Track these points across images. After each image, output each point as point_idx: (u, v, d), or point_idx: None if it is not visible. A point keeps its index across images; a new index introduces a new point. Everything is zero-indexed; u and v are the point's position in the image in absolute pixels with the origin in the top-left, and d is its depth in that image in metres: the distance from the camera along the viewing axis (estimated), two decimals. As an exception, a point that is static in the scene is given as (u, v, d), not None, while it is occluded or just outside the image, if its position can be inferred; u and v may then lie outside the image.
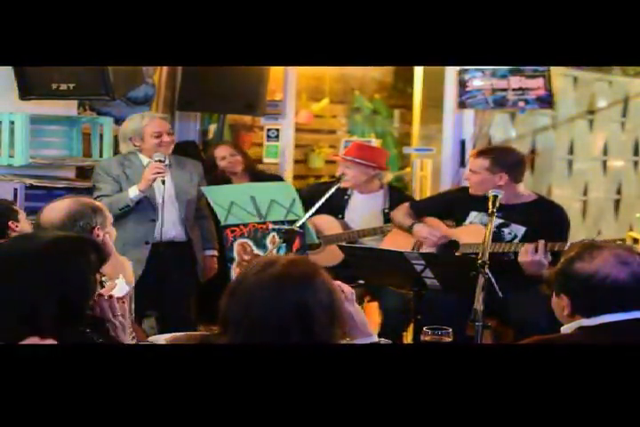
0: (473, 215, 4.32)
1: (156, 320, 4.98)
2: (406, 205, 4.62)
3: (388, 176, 5.10)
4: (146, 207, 4.43)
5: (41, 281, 2.04)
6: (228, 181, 5.29)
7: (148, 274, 4.40)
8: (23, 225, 3.35)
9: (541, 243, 3.89)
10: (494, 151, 4.38)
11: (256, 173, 5.41)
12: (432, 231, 4.39)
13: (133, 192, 4.32)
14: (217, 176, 5.31)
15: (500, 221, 4.19)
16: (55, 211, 3.03)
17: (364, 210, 4.96)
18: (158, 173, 4.27)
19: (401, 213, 4.57)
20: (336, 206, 4.89)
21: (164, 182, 4.34)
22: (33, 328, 2.01)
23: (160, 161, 4.32)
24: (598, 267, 2.15)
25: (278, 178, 5.52)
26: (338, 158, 5.03)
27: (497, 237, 4.16)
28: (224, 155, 5.31)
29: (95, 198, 4.27)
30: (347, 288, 2.25)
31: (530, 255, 3.87)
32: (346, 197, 4.96)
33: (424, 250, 4.37)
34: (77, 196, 3.24)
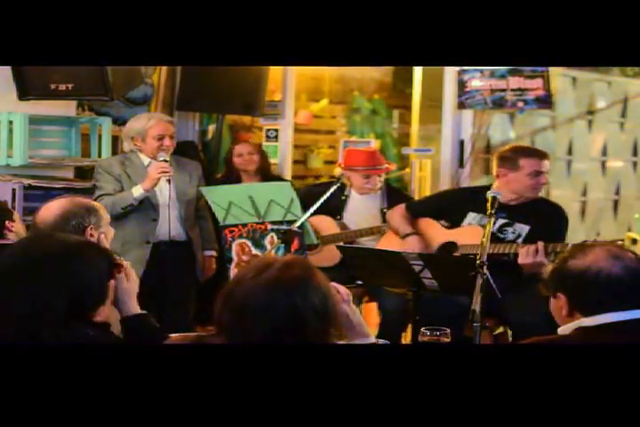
0: (471, 217, 4.31)
1: (156, 321, 4.97)
2: (402, 206, 4.58)
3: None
4: (147, 207, 4.43)
5: (55, 281, 2.05)
6: (238, 179, 5.35)
7: (149, 274, 4.40)
8: (18, 225, 3.35)
9: (541, 244, 3.91)
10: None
11: (268, 176, 5.45)
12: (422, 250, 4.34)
13: (137, 191, 4.32)
14: (229, 172, 5.44)
15: (504, 220, 4.19)
16: (49, 210, 3.03)
17: (362, 210, 4.96)
18: (164, 172, 4.29)
19: (396, 216, 4.53)
20: (334, 206, 4.89)
21: (169, 182, 4.35)
22: (36, 327, 2.01)
23: (165, 161, 4.34)
24: (591, 262, 2.19)
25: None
26: (363, 173, 4.93)
27: (500, 236, 4.16)
28: (242, 152, 5.40)
29: (97, 197, 4.28)
30: (342, 289, 2.25)
31: (531, 257, 3.90)
32: (344, 197, 4.96)
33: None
34: (74, 195, 3.22)
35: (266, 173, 5.45)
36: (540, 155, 4.24)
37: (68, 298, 2.04)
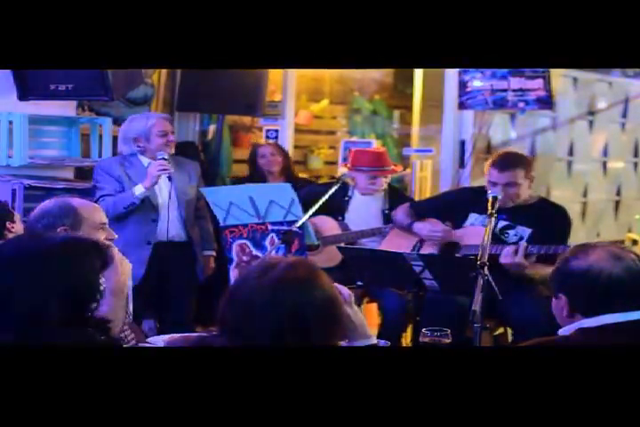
0: (473, 217, 4.31)
1: (156, 321, 4.97)
2: (407, 205, 4.62)
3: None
4: (147, 207, 4.43)
5: (46, 281, 2.04)
6: (263, 180, 5.39)
7: (149, 274, 4.40)
8: (18, 226, 3.35)
9: (522, 246, 3.92)
10: (521, 158, 4.30)
11: (292, 177, 5.47)
12: (433, 229, 4.39)
13: (139, 190, 4.34)
14: (254, 172, 5.49)
15: (505, 222, 4.18)
16: (35, 209, 3.06)
17: (364, 211, 4.95)
18: (164, 169, 4.30)
19: (401, 213, 4.57)
20: (336, 207, 4.88)
21: (170, 179, 4.38)
22: (37, 328, 2.01)
23: (164, 159, 4.36)
24: (592, 262, 2.18)
25: (313, 184, 5.56)
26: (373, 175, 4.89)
27: (502, 239, 4.15)
28: (265, 153, 5.47)
29: (98, 198, 4.28)
30: (344, 290, 2.24)
31: (510, 258, 3.91)
32: (346, 198, 4.95)
33: (424, 250, 4.37)
34: (70, 196, 3.22)
35: (290, 174, 5.49)
36: (502, 166, 4.13)
37: (60, 299, 2.02)
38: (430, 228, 4.40)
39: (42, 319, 2.00)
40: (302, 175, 6.80)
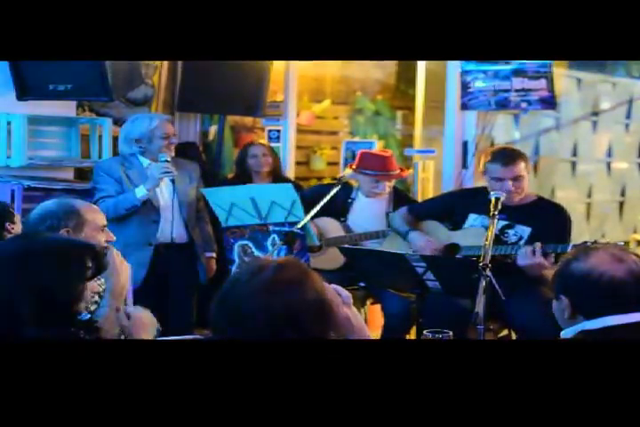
0: (472, 218, 4.26)
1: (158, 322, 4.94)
2: (404, 209, 4.54)
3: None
4: (148, 209, 4.42)
5: (21, 281, 2.05)
6: (249, 180, 5.32)
7: (150, 276, 4.38)
8: (18, 227, 3.34)
9: (538, 245, 3.86)
10: (520, 152, 4.22)
11: (279, 177, 5.41)
12: (427, 243, 4.30)
13: (140, 192, 4.32)
14: (241, 173, 5.39)
15: (504, 222, 4.13)
16: (35, 209, 3.07)
17: (368, 213, 4.91)
18: (167, 172, 4.29)
19: (398, 218, 4.50)
20: (340, 209, 4.85)
21: (173, 182, 4.38)
22: (14, 326, 1.99)
23: (167, 161, 4.35)
24: (594, 264, 2.17)
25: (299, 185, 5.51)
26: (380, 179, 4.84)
27: (501, 239, 4.11)
28: (256, 153, 5.36)
29: (98, 200, 4.26)
30: (343, 292, 2.22)
31: (529, 258, 3.84)
32: (350, 200, 4.91)
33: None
34: (70, 197, 3.22)
35: (277, 175, 5.44)
36: (505, 161, 4.06)
37: (35, 299, 2.02)
38: (424, 242, 4.30)
39: (18, 317, 1.99)
40: (305, 176, 6.79)
